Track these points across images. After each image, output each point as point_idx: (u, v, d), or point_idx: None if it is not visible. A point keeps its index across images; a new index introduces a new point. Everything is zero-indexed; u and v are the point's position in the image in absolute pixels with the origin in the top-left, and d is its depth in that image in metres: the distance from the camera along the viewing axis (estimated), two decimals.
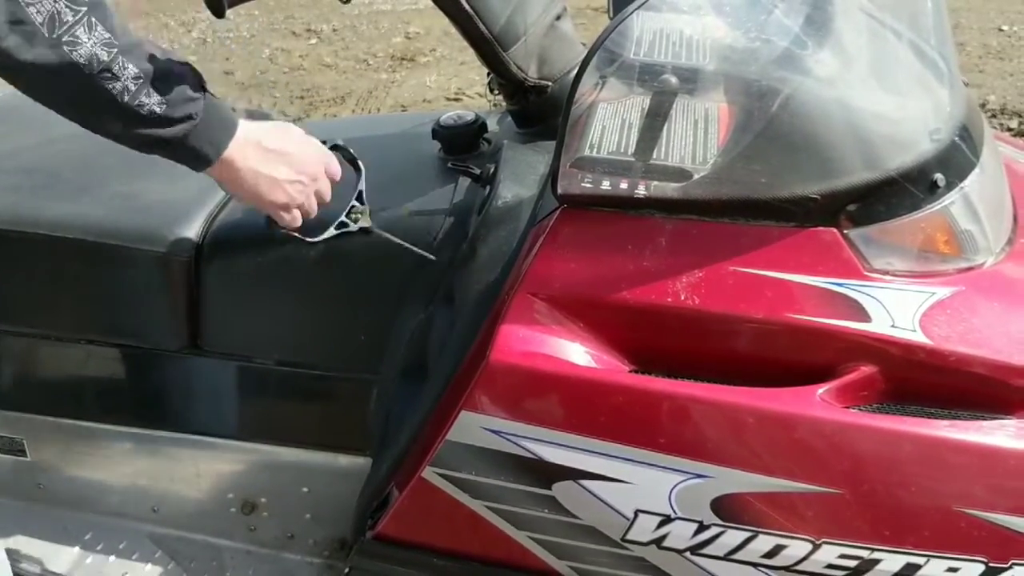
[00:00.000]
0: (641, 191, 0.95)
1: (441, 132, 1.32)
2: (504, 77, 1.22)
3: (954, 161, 0.96)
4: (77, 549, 1.42)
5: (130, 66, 0.92)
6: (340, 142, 1.16)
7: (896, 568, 0.89)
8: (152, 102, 0.94)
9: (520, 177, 1.16)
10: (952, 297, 0.92)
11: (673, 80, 0.91)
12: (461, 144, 1.32)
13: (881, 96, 1.02)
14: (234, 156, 1.02)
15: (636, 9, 0.90)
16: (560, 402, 0.93)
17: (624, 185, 0.96)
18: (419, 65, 4.47)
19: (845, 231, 0.92)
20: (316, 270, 1.20)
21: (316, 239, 1.14)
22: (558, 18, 1.25)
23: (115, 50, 0.91)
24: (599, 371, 0.94)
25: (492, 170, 1.20)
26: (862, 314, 0.90)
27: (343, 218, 1.16)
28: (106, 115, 0.94)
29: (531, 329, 0.94)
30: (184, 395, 1.34)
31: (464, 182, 1.25)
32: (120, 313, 1.30)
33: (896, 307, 0.90)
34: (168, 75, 0.96)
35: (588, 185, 0.97)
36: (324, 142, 1.13)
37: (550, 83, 1.23)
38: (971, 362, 0.89)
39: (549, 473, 0.94)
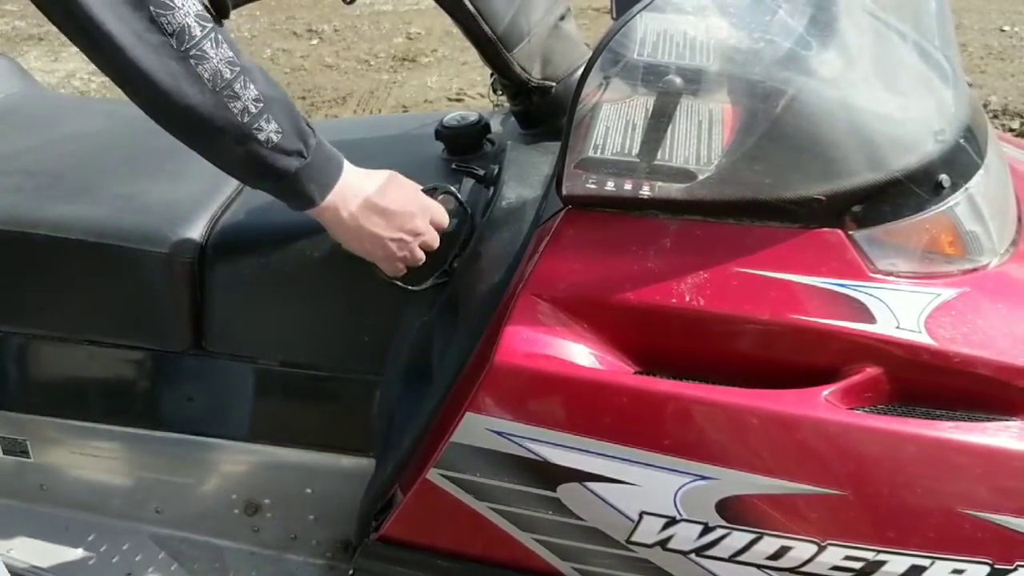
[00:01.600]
0: (645, 192, 0.95)
1: (444, 133, 1.32)
2: (508, 78, 1.22)
3: (959, 162, 0.96)
4: (80, 550, 1.41)
5: (252, 87, 0.92)
6: (451, 188, 1.15)
7: (901, 570, 0.89)
8: (270, 129, 0.94)
9: (524, 178, 1.16)
10: (957, 298, 0.92)
11: (677, 81, 0.91)
12: (464, 145, 1.32)
13: (885, 97, 1.01)
14: (338, 205, 1.02)
15: (641, 10, 0.90)
16: (565, 404, 0.93)
17: (628, 186, 0.96)
18: (420, 65, 4.47)
19: (850, 232, 0.92)
20: (320, 271, 1.20)
21: (418, 288, 1.15)
22: (562, 18, 1.25)
23: (238, 69, 0.91)
24: (604, 372, 0.93)
25: (496, 171, 1.20)
26: (867, 315, 0.90)
27: (446, 267, 1.16)
28: (222, 136, 0.93)
29: (535, 330, 0.94)
30: (187, 396, 1.34)
31: (468, 183, 1.25)
32: (123, 314, 1.30)
33: (901, 308, 0.90)
34: (284, 104, 0.96)
35: (592, 186, 0.96)
36: (435, 188, 1.13)
37: (554, 84, 1.23)
38: (976, 363, 0.89)
39: (554, 475, 0.94)
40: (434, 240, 1.10)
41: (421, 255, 1.10)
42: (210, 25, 0.90)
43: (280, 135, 0.94)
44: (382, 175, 1.08)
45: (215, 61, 0.90)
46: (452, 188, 1.15)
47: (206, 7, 0.92)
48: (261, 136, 0.93)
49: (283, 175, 0.97)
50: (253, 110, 0.92)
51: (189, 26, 0.88)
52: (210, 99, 0.90)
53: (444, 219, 1.12)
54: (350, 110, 4.00)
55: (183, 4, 0.89)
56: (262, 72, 0.95)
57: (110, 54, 0.88)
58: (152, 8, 0.87)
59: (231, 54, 0.91)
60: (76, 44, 0.90)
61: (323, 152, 1.00)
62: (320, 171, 1.00)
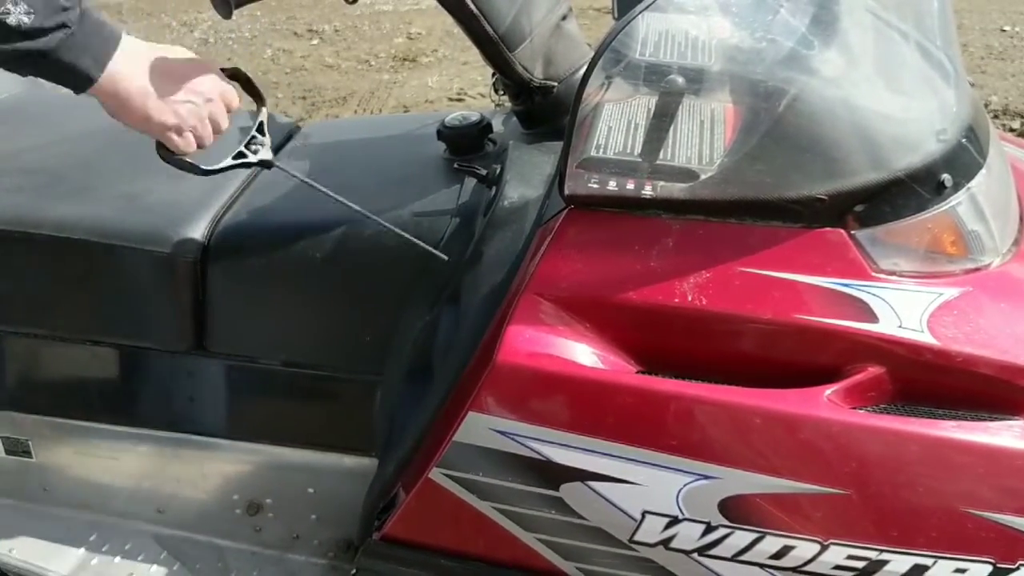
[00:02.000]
0: (648, 192, 0.95)
1: (446, 133, 1.32)
2: (509, 77, 1.21)
3: (961, 161, 0.96)
4: (82, 550, 1.42)
5: None
6: (240, 69, 1.10)
7: (904, 569, 0.89)
8: (19, 11, 0.87)
9: (526, 178, 1.16)
10: (959, 298, 0.92)
11: (680, 80, 0.91)
12: (466, 145, 1.32)
13: (887, 96, 1.01)
14: (122, 79, 0.95)
15: (643, 10, 0.89)
16: (567, 403, 0.93)
17: (631, 186, 0.96)
18: (421, 65, 4.47)
19: (852, 232, 0.92)
20: (322, 271, 1.20)
21: (212, 169, 1.06)
22: (564, 18, 1.25)
23: None
24: (606, 372, 0.93)
25: (498, 171, 1.20)
26: (869, 315, 0.90)
27: (241, 148, 1.09)
28: None
29: (538, 330, 0.94)
30: (189, 396, 1.34)
31: (470, 183, 1.25)
32: (125, 314, 1.30)
33: (903, 308, 0.90)
34: None
35: (595, 186, 0.96)
36: (222, 71, 1.06)
37: (555, 83, 1.23)
38: (978, 363, 0.89)
39: (556, 474, 0.94)
40: (221, 113, 1.04)
41: (210, 131, 1.03)
42: None
43: (32, 15, 0.88)
44: (171, 46, 1.02)
45: None
46: (240, 69, 1.10)
47: None
48: (10, 20, 0.87)
49: (44, 55, 0.90)
50: None
51: None
52: None
53: (234, 97, 1.06)
54: (351, 110, 4.00)
55: None
56: None
57: None
58: None
59: None
60: None
61: (93, 23, 0.93)
62: (90, 44, 0.93)
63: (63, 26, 0.89)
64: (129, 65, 0.96)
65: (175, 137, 1.01)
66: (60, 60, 0.91)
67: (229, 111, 1.05)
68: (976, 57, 4.10)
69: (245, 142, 1.09)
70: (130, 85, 0.96)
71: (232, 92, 1.05)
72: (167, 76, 0.98)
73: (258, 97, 1.11)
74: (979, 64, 4.03)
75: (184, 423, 1.35)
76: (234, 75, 1.08)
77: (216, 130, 1.04)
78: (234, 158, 1.08)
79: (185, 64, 1.00)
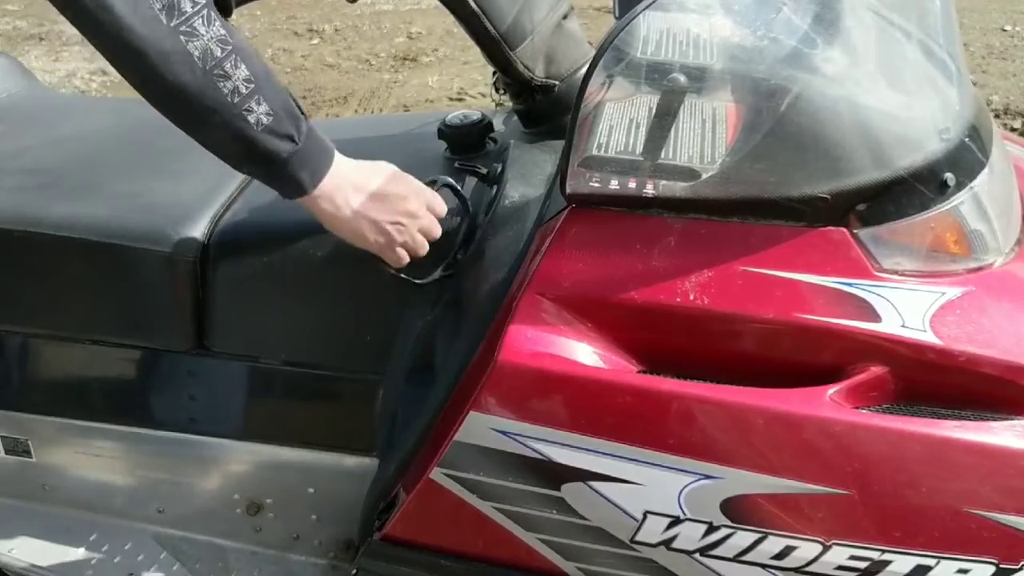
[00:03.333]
0: (649, 190, 0.95)
1: (447, 132, 1.31)
2: (511, 76, 1.21)
3: (964, 160, 0.96)
4: (82, 550, 1.41)
5: (243, 67, 0.90)
6: (448, 180, 1.14)
7: (906, 569, 0.89)
8: (261, 111, 0.91)
9: (527, 177, 1.15)
10: (962, 297, 0.92)
11: (681, 79, 0.91)
12: (467, 144, 1.32)
13: (890, 95, 1.01)
14: (333, 193, 1.00)
15: (645, 8, 0.89)
16: (569, 403, 0.93)
17: (632, 184, 0.96)
18: (421, 65, 4.47)
19: (855, 231, 0.92)
20: (323, 270, 1.20)
21: (423, 281, 1.13)
22: (565, 17, 1.25)
23: (230, 48, 0.89)
24: (608, 371, 0.93)
25: (499, 170, 1.20)
26: (872, 314, 0.90)
27: (450, 259, 1.15)
28: (211, 116, 0.91)
29: (539, 329, 0.94)
30: (189, 395, 1.34)
31: (470, 182, 1.25)
32: (126, 313, 1.30)
33: (906, 307, 0.90)
34: (276, 88, 0.93)
35: (596, 185, 0.96)
36: (433, 181, 1.12)
37: (557, 82, 1.23)
38: (981, 362, 0.89)
39: (558, 474, 0.94)
40: (433, 226, 1.09)
41: (423, 241, 1.08)
42: (203, 1, 0.88)
43: (271, 117, 0.92)
44: (376, 164, 1.07)
45: (205, 39, 0.88)
46: (450, 180, 1.14)
47: None
48: (251, 118, 0.91)
49: (273, 160, 0.95)
50: (244, 90, 0.90)
51: (180, 2, 0.86)
52: (199, 78, 0.88)
53: (441, 206, 1.10)
54: (351, 110, 3.99)
55: None
56: (256, 54, 0.93)
57: (103, 28, 0.86)
58: None
59: (223, 32, 0.89)
60: (65, 15, 0.88)
61: (315, 139, 0.98)
62: (311, 157, 0.98)
63: (292, 138, 0.94)
64: (340, 185, 1.01)
65: (388, 253, 1.07)
66: (284, 168, 0.96)
67: (437, 218, 1.09)
68: (977, 56, 4.10)
69: (455, 252, 1.15)
70: (342, 206, 1.02)
71: (439, 201, 1.10)
72: (378, 199, 1.03)
73: (464, 204, 1.16)
74: (980, 64, 4.03)
75: (184, 423, 1.35)
76: (444, 184, 1.13)
77: (429, 239, 1.09)
78: (444, 269, 1.15)
79: (394, 185, 1.05)
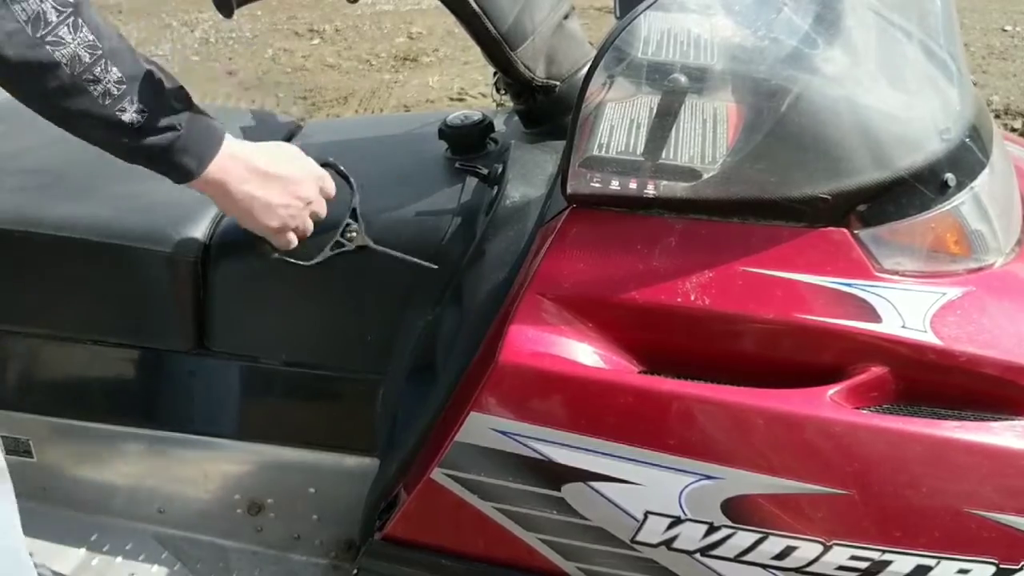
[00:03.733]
0: (650, 191, 0.95)
1: (448, 132, 1.31)
2: (511, 77, 1.21)
3: (964, 161, 0.96)
4: (83, 550, 1.41)
5: (114, 70, 0.91)
6: (331, 159, 1.15)
7: (907, 570, 0.89)
8: (133, 110, 0.93)
9: (528, 177, 1.15)
10: (962, 297, 0.92)
11: (682, 79, 0.91)
12: (468, 144, 1.32)
13: (891, 95, 1.01)
14: (225, 176, 1.01)
15: (646, 8, 0.89)
16: (569, 403, 0.93)
17: (633, 185, 0.96)
18: (422, 65, 4.47)
19: (855, 231, 0.92)
20: (323, 270, 1.20)
21: (312, 262, 1.13)
22: (566, 17, 1.24)
23: (99, 52, 0.90)
24: (608, 372, 0.93)
25: (500, 170, 1.20)
26: (872, 314, 0.90)
27: (338, 238, 1.15)
28: (86, 119, 0.93)
29: (540, 330, 0.94)
30: (191, 396, 1.34)
31: (471, 182, 1.25)
32: (126, 313, 1.30)
33: (906, 307, 0.90)
34: (152, 84, 0.94)
35: (597, 185, 0.96)
36: (325, 164, 1.13)
37: (558, 83, 1.23)
38: (981, 363, 0.89)
39: (558, 474, 0.94)
40: (322, 209, 1.10)
41: (311, 225, 1.10)
42: (69, 9, 0.89)
43: (145, 115, 0.93)
44: (268, 144, 1.08)
45: (72, 46, 0.89)
46: (331, 159, 1.15)
47: None
48: (125, 118, 0.93)
49: (155, 153, 0.96)
50: (115, 92, 0.92)
51: (45, 12, 0.87)
52: (68, 84, 0.90)
53: (332, 188, 1.11)
54: (351, 110, 3.99)
55: None
56: (132, 53, 0.94)
57: None
58: None
59: (92, 37, 0.90)
60: None
61: (200, 125, 0.99)
62: (196, 143, 0.98)
63: (172, 128, 0.96)
64: (234, 169, 1.02)
65: (277, 237, 1.09)
66: (167, 158, 0.97)
67: (327, 200, 1.11)
68: (977, 57, 4.10)
69: (340, 231, 1.15)
70: (235, 189, 1.03)
71: (331, 184, 1.11)
72: (271, 181, 1.05)
73: (349, 183, 1.16)
74: (980, 64, 4.03)
75: (185, 423, 1.35)
76: (325, 164, 1.14)
77: (316, 223, 1.10)
78: (332, 248, 1.15)
79: (286, 166, 1.06)
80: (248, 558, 1.38)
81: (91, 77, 0.90)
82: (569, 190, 0.96)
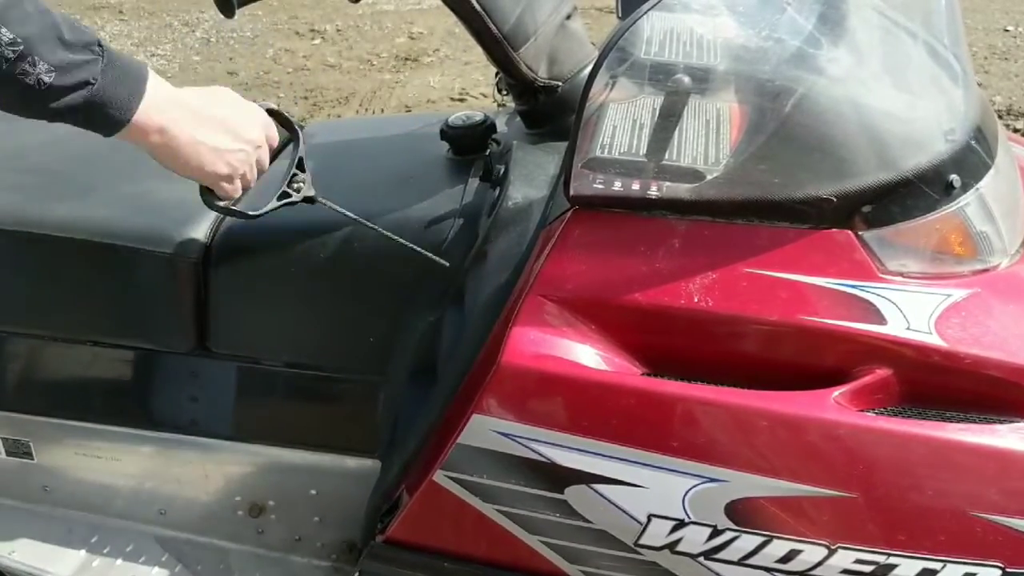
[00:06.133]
0: (653, 192, 0.95)
1: (450, 132, 1.31)
2: (514, 77, 1.21)
3: (969, 162, 0.95)
4: (83, 552, 1.41)
5: (4, 31, 0.83)
6: (273, 105, 1.09)
7: (912, 573, 0.88)
8: (38, 71, 0.85)
9: (530, 178, 1.15)
10: (967, 299, 0.91)
11: (686, 80, 0.90)
12: (470, 144, 1.31)
13: (896, 96, 1.01)
14: (163, 122, 0.93)
15: (650, 9, 0.89)
16: (572, 405, 0.92)
17: (636, 186, 0.95)
18: (423, 65, 4.47)
19: (859, 232, 0.92)
20: (325, 271, 1.20)
21: (259, 213, 1.07)
22: (568, 17, 1.24)
23: None
24: (611, 374, 0.93)
25: (502, 171, 1.19)
26: (877, 316, 0.89)
27: (284, 188, 1.08)
28: None
29: (543, 331, 0.94)
30: (191, 397, 1.34)
31: (474, 183, 1.25)
32: (127, 314, 1.30)
33: (911, 309, 0.90)
34: (55, 38, 0.86)
35: (600, 186, 0.96)
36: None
37: (560, 83, 1.22)
38: (986, 364, 0.88)
39: (561, 477, 0.94)
40: (266, 156, 1.04)
41: (255, 173, 1.03)
42: None
43: (52, 74, 0.85)
44: (213, 89, 1.01)
45: None
46: (273, 105, 1.09)
47: None
48: (29, 80, 0.85)
49: (73, 110, 0.88)
50: (11, 55, 0.83)
51: None
52: None
53: (276, 137, 1.06)
54: (352, 110, 3.99)
55: None
56: (22, 10, 0.84)
57: None
58: None
59: None
60: None
61: (116, 71, 0.90)
62: (115, 92, 0.90)
63: (87, 83, 0.88)
64: (165, 112, 0.94)
65: (226, 185, 1.01)
66: (88, 113, 0.90)
67: (271, 150, 1.05)
68: (979, 57, 4.10)
69: (287, 181, 1.09)
70: (178, 134, 0.95)
71: (275, 131, 1.05)
72: (216, 125, 0.97)
73: (293, 132, 1.10)
74: (982, 64, 4.03)
75: (186, 424, 1.35)
76: (269, 111, 1.07)
77: (260, 171, 1.04)
78: (279, 199, 1.08)
79: (231, 109, 1.00)
80: (249, 560, 1.38)
81: None
82: (572, 191, 0.96)
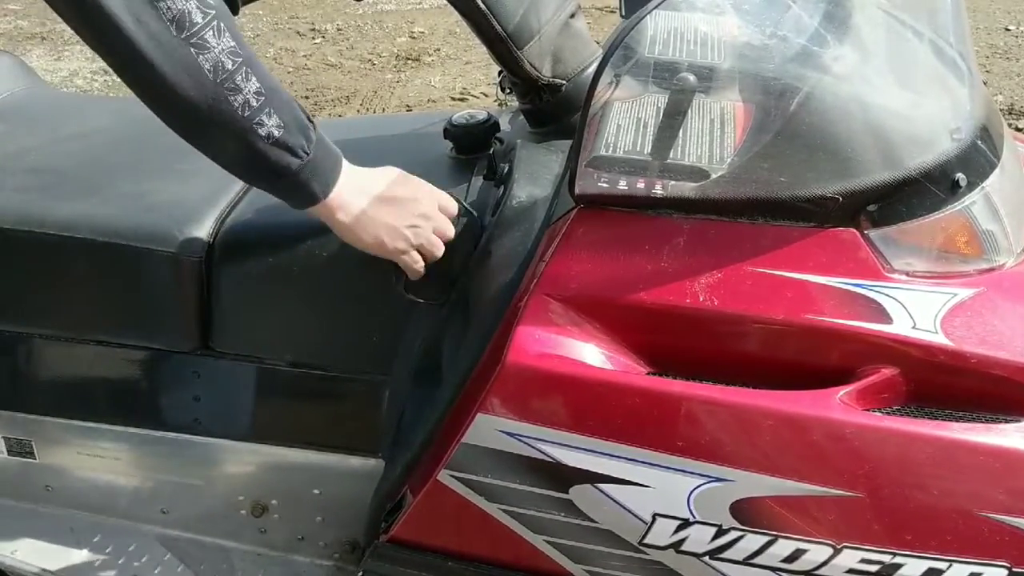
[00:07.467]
0: (658, 191, 0.95)
1: (453, 131, 1.31)
2: (518, 76, 1.21)
3: (975, 161, 0.95)
4: (86, 551, 1.41)
5: (254, 79, 0.88)
6: (455, 195, 1.13)
7: (918, 573, 0.88)
8: (271, 124, 0.89)
9: (535, 177, 1.15)
10: (973, 298, 0.91)
11: (691, 78, 0.90)
12: (473, 143, 1.31)
13: (901, 95, 1.01)
14: (346, 202, 0.98)
15: (655, 7, 0.89)
16: (577, 404, 0.92)
17: (641, 185, 0.95)
18: (424, 65, 4.47)
19: (865, 231, 0.91)
20: (329, 270, 1.19)
21: (440, 302, 1.13)
22: (572, 16, 1.24)
23: (240, 59, 0.87)
24: (616, 373, 0.93)
25: (506, 170, 1.19)
26: (882, 315, 0.89)
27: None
28: (221, 130, 0.89)
29: (547, 330, 0.94)
30: (194, 396, 1.33)
31: (477, 182, 1.24)
32: (130, 314, 1.29)
33: (917, 308, 0.89)
34: (285, 98, 0.91)
35: (605, 185, 0.96)
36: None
37: (564, 82, 1.22)
38: (993, 364, 0.88)
39: (566, 476, 0.93)
40: (447, 227, 1.07)
41: (438, 242, 1.06)
42: (212, 12, 0.85)
43: (282, 130, 0.90)
44: (382, 169, 1.05)
45: (216, 51, 0.85)
46: (454, 194, 1.13)
47: None
48: (262, 131, 0.89)
49: (283, 173, 0.93)
50: (254, 103, 0.88)
51: (190, 12, 0.84)
52: (210, 91, 0.86)
53: (452, 205, 1.09)
54: (354, 109, 3.99)
55: None
56: (262, 65, 0.91)
57: (108, 38, 0.84)
58: None
59: (233, 44, 0.87)
60: (71, 25, 0.86)
61: (324, 147, 0.96)
62: (322, 167, 0.96)
63: (304, 149, 0.92)
64: (350, 192, 0.99)
65: (406, 259, 1.06)
66: (294, 180, 0.94)
67: (450, 218, 1.08)
68: (981, 56, 4.09)
69: (465, 264, 1.13)
70: (359, 213, 1.00)
71: (449, 199, 1.08)
72: (392, 203, 1.02)
73: (471, 216, 1.14)
74: (984, 63, 4.02)
75: (189, 423, 1.34)
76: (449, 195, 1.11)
77: (444, 240, 1.07)
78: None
79: (403, 187, 1.04)
80: (252, 559, 1.38)
81: (233, 85, 0.86)
82: (577, 190, 0.95)
